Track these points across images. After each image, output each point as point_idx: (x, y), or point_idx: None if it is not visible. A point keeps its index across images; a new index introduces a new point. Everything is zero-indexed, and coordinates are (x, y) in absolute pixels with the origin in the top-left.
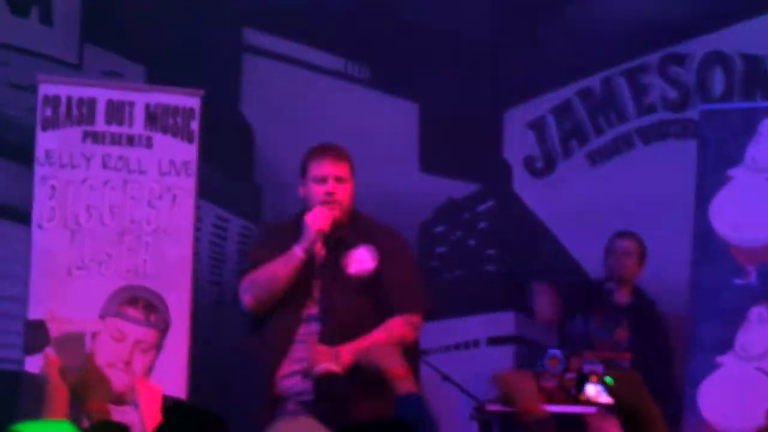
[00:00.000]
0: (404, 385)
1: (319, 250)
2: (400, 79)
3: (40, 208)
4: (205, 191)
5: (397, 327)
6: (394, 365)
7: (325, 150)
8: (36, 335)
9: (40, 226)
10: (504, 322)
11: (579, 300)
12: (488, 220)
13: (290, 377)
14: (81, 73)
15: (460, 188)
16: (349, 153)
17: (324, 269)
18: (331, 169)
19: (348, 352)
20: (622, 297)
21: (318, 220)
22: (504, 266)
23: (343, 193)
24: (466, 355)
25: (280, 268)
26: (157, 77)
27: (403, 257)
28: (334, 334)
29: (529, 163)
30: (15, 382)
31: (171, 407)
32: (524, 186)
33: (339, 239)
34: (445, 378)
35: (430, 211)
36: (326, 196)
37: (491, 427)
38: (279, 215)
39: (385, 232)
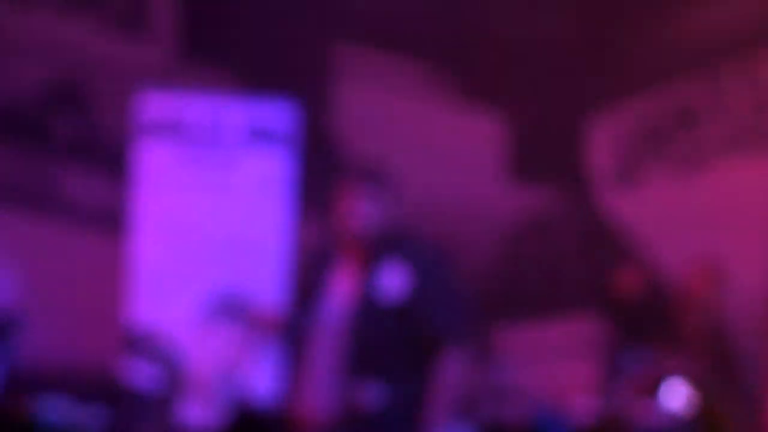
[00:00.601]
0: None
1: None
2: (487, 90)
3: (136, 218)
4: (299, 202)
5: (452, 369)
6: None
7: (350, 172)
8: (131, 341)
9: (136, 235)
10: (588, 327)
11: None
12: (573, 228)
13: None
14: (178, 86)
15: (544, 196)
16: (384, 174)
17: (353, 291)
18: (353, 191)
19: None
20: (698, 325)
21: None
22: (588, 273)
23: (367, 212)
24: (550, 360)
25: None
26: (253, 90)
27: (443, 281)
28: (359, 360)
29: (612, 170)
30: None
31: (237, 411)
32: (608, 193)
33: (372, 260)
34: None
35: (515, 219)
36: (347, 216)
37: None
38: None
39: (426, 252)
